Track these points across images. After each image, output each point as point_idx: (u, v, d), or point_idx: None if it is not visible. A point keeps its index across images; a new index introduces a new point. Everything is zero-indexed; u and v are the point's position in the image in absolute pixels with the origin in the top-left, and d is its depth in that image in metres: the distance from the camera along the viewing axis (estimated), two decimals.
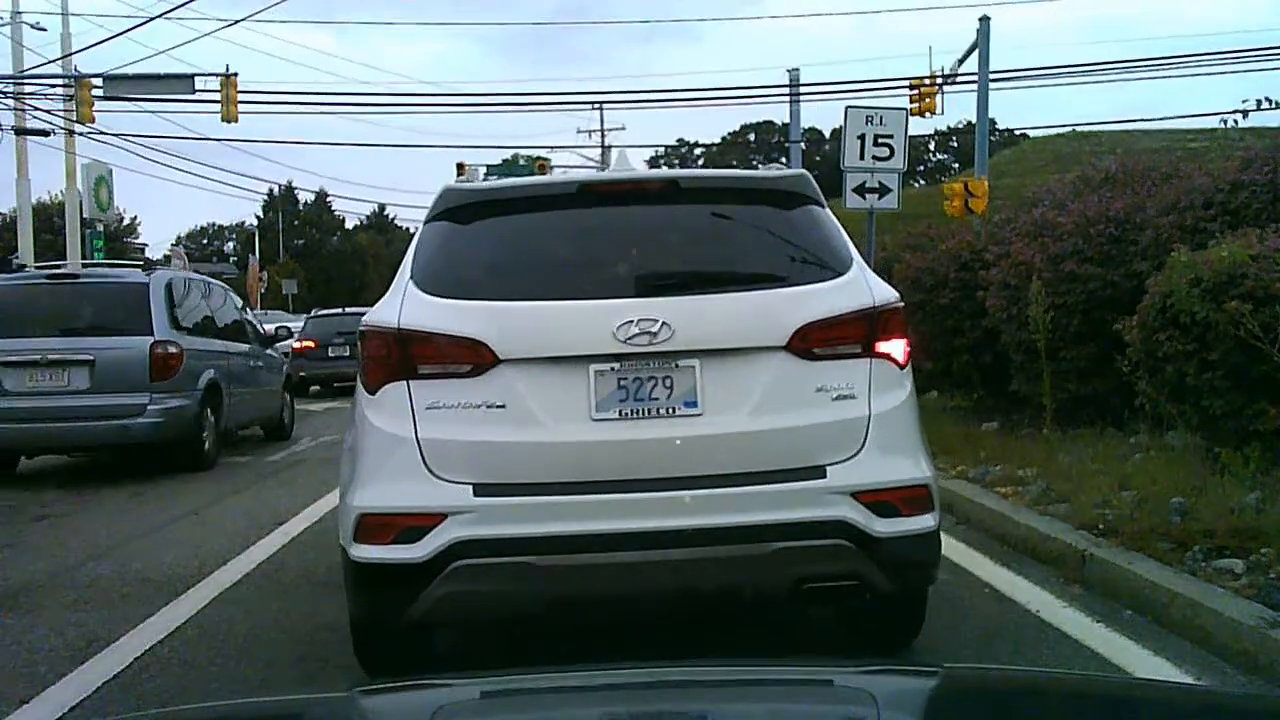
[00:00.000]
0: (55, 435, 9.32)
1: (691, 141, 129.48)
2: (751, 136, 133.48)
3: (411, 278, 4.04)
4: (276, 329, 14.86)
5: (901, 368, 3.99)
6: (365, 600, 3.90)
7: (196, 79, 27.51)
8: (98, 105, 27.42)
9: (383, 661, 4.12)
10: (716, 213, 4.26)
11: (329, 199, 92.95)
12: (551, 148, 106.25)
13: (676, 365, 3.77)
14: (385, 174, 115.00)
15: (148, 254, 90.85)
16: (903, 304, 4.08)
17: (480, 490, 3.71)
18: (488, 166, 41.61)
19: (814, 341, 3.84)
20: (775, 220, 4.16)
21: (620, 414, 3.76)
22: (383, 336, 3.88)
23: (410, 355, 3.82)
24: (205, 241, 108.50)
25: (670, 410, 3.76)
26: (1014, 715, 1.88)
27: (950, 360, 11.11)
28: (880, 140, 12.87)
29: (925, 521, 3.88)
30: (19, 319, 9.42)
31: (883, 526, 3.77)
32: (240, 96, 26.86)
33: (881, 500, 3.78)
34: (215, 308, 11.33)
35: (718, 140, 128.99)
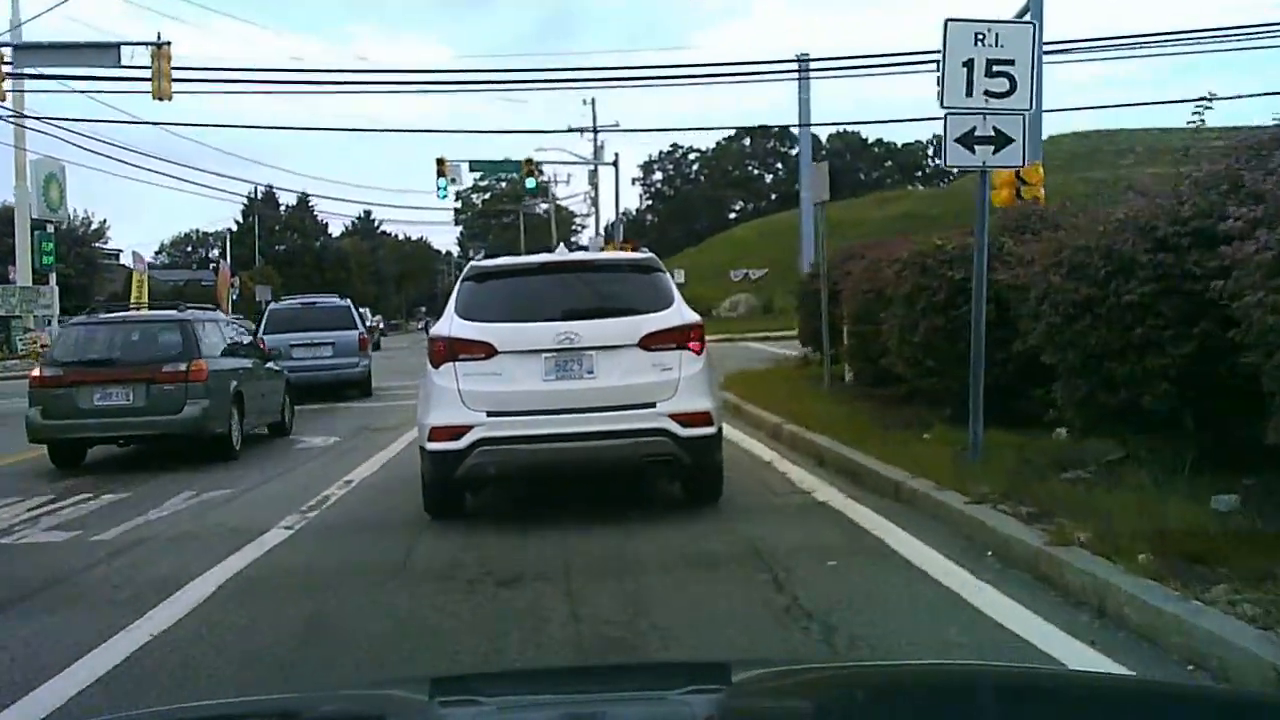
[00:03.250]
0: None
1: (686, 146, 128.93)
2: (747, 141, 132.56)
3: (455, 310, 8.08)
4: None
5: (698, 354, 7.88)
6: (432, 470, 7.86)
7: (124, 49, 24.61)
8: (52, 91, 25.17)
9: (438, 509, 8.11)
10: (608, 277, 8.65)
11: (311, 202, 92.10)
12: (541, 154, 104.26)
13: (583, 354, 7.70)
14: (371, 173, 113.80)
15: (123, 260, 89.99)
16: (700, 323, 8.09)
17: (490, 414, 7.62)
18: (470, 163, 41.23)
19: (650, 341, 7.75)
20: (636, 281, 8.31)
21: (557, 377, 7.70)
22: (443, 340, 7.90)
23: (455, 349, 7.77)
24: (190, 249, 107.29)
25: (580, 375, 7.68)
26: (1013, 715, 1.94)
27: (1138, 391, 7.29)
28: (996, 68, 8.48)
29: (708, 430, 7.81)
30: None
31: (684, 431, 7.63)
32: (179, 74, 24.00)
33: (683, 418, 7.62)
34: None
35: (712, 145, 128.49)
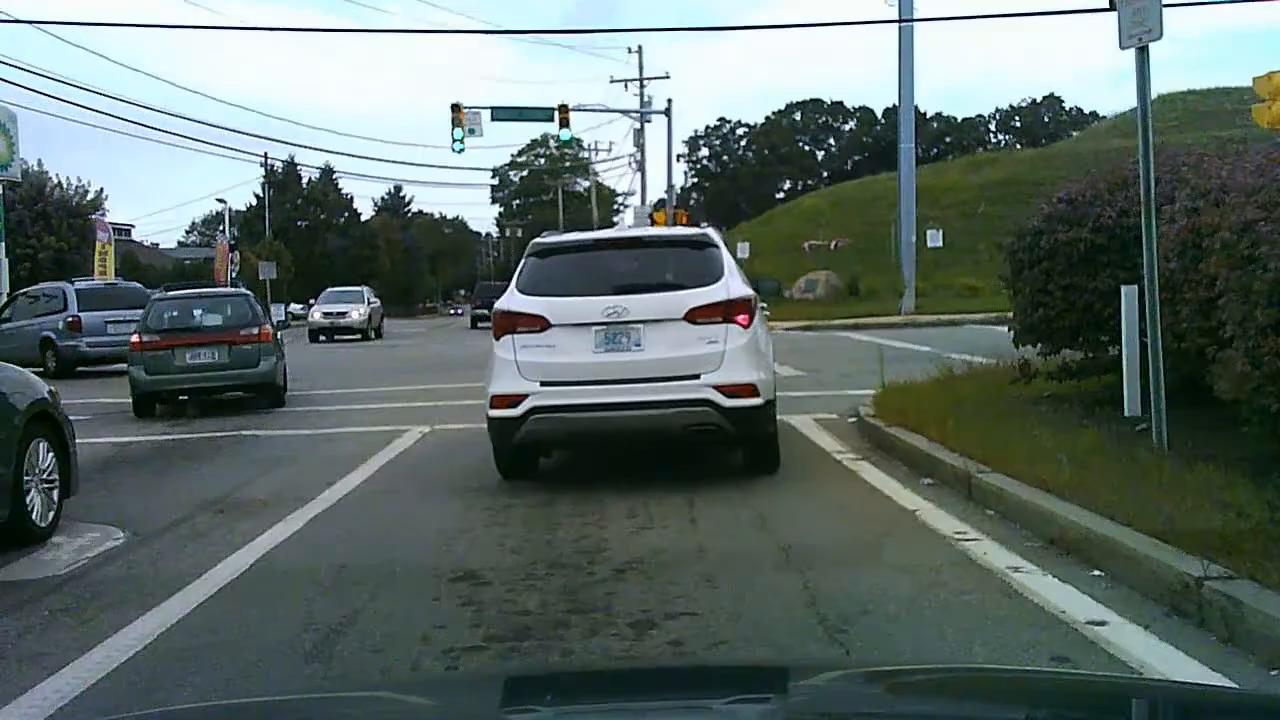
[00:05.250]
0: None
1: (734, 121, 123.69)
2: (798, 116, 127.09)
3: (515, 285, 8.48)
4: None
5: (745, 328, 7.97)
6: (495, 435, 8.34)
7: None
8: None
9: (509, 471, 8.50)
10: (660, 253, 8.91)
11: (336, 176, 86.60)
12: (579, 115, 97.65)
13: (631, 327, 7.95)
14: (400, 142, 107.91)
15: (135, 235, 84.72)
16: (747, 297, 8.15)
17: (543, 383, 7.94)
18: (493, 109, 35.10)
19: (696, 315, 7.93)
20: (687, 256, 8.55)
21: (606, 349, 7.99)
22: (502, 313, 8.28)
23: (513, 322, 8.12)
24: (221, 227, 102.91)
25: (628, 348, 7.97)
26: (1012, 714, 1.91)
27: None
28: None
29: (754, 401, 7.89)
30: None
31: (728, 402, 7.79)
32: None
33: (727, 389, 7.79)
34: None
35: (761, 120, 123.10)
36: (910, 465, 8.13)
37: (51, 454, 7.07)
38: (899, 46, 30.80)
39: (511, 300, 8.19)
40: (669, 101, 37.09)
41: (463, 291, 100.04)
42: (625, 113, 42.57)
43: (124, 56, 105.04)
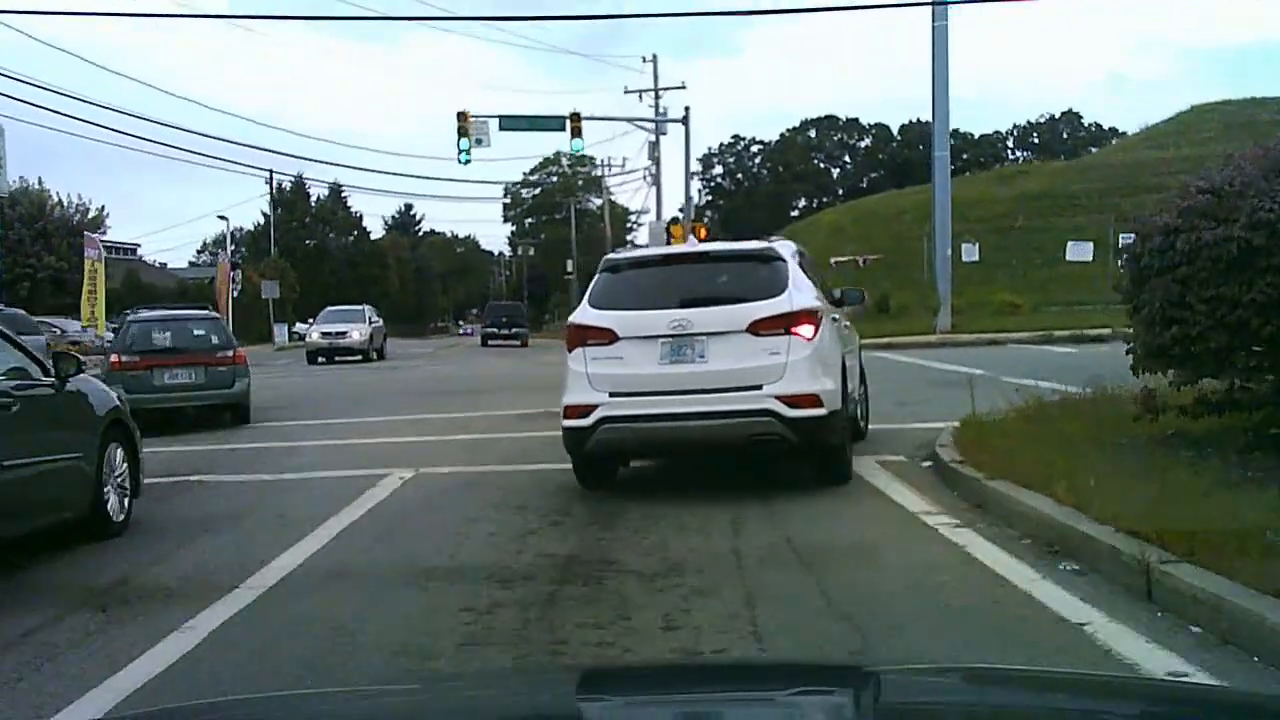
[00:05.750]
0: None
1: (748, 138, 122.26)
2: (812, 133, 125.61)
3: (587, 299, 8.67)
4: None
5: (808, 340, 8.01)
6: (569, 444, 8.37)
7: None
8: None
9: (584, 479, 8.59)
10: (725, 267, 8.82)
11: (345, 194, 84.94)
12: (591, 124, 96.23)
13: (695, 340, 8.03)
14: (408, 154, 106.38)
15: (141, 253, 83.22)
16: (811, 309, 8.16)
17: (612, 394, 8.07)
18: (501, 118, 33.17)
19: (759, 327, 7.99)
20: (752, 269, 8.59)
21: (671, 361, 8.07)
22: (574, 326, 8.51)
23: (584, 335, 8.32)
24: (233, 247, 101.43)
25: (693, 359, 8.04)
26: (1013, 714, 1.91)
27: None
28: None
29: (817, 411, 7.90)
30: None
31: (790, 412, 7.82)
32: None
33: (790, 400, 7.83)
34: None
35: (775, 137, 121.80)
36: (1030, 535, 6.10)
37: (124, 457, 7.82)
38: (932, 44, 28.86)
39: (583, 314, 8.53)
40: (686, 109, 35.21)
41: (475, 311, 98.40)
42: (638, 122, 40.70)
43: (129, 69, 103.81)
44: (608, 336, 8.14)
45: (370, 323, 35.66)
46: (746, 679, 2.23)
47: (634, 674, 2.63)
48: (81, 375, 7.66)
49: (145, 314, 16.65)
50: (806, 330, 7.97)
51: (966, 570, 5.61)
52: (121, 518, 7.57)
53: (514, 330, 47.57)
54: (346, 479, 9.44)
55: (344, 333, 34.30)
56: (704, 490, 8.33)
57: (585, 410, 8.04)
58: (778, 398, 7.75)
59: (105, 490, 7.40)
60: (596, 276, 8.82)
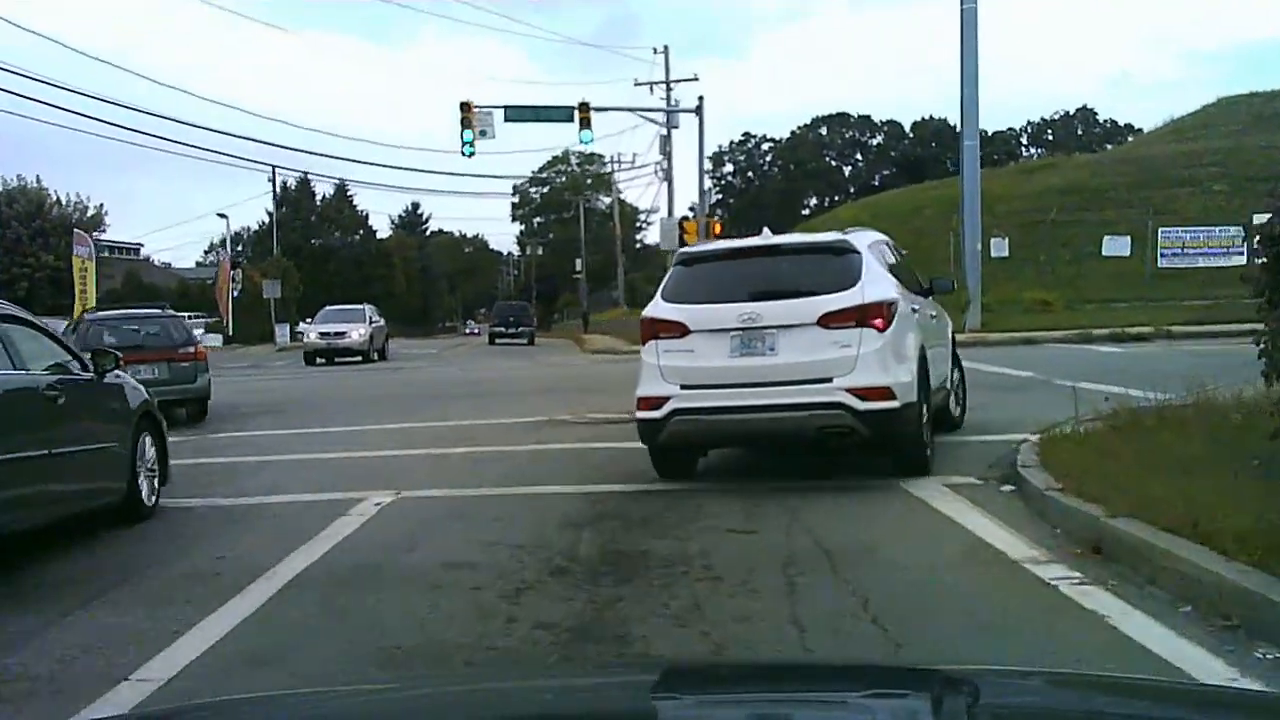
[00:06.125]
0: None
1: (759, 136, 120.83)
2: (824, 130, 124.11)
3: (660, 293, 8.75)
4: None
5: (880, 331, 7.92)
6: (643, 436, 8.45)
7: None
8: None
9: (661, 470, 8.60)
10: (797, 260, 8.91)
11: (350, 193, 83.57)
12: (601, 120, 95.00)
13: (765, 333, 8.03)
14: (417, 147, 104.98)
15: (144, 253, 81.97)
16: (884, 301, 8.04)
17: (683, 386, 8.11)
18: (506, 109, 31.67)
19: (829, 320, 7.93)
20: (824, 262, 8.54)
21: (741, 354, 8.09)
22: (647, 320, 8.61)
23: (656, 328, 8.40)
24: (240, 247, 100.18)
25: (763, 352, 8.05)
26: (1012, 714, 1.90)
27: None
28: None
29: (889, 404, 7.81)
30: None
31: (861, 405, 7.76)
32: None
33: (861, 393, 7.76)
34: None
35: (786, 135, 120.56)
36: (1188, 598, 4.57)
37: (153, 447, 8.25)
38: (961, 27, 27.32)
39: (655, 308, 8.62)
40: (700, 99, 33.64)
41: (483, 310, 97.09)
42: (649, 113, 39.14)
43: (131, 65, 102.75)
44: (679, 330, 8.25)
45: (371, 323, 34.19)
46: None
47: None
48: (116, 370, 8.08)
49: (102, 313, 16.96)
50: (879, 322, 7.96)
51: (1125, 657, 4.05)
52: (152, 502, 8.06)
53: (521, 329, 49.04)
54: (313, 505, 7.98)
55: (343, 333, 32.84)
56: (744, 519, 6.86)
57: (657, 403, 8.19)
58: (848, 390, 7.77)
59: (139, 477, 7.86)
60: (670, 270, 9.11)
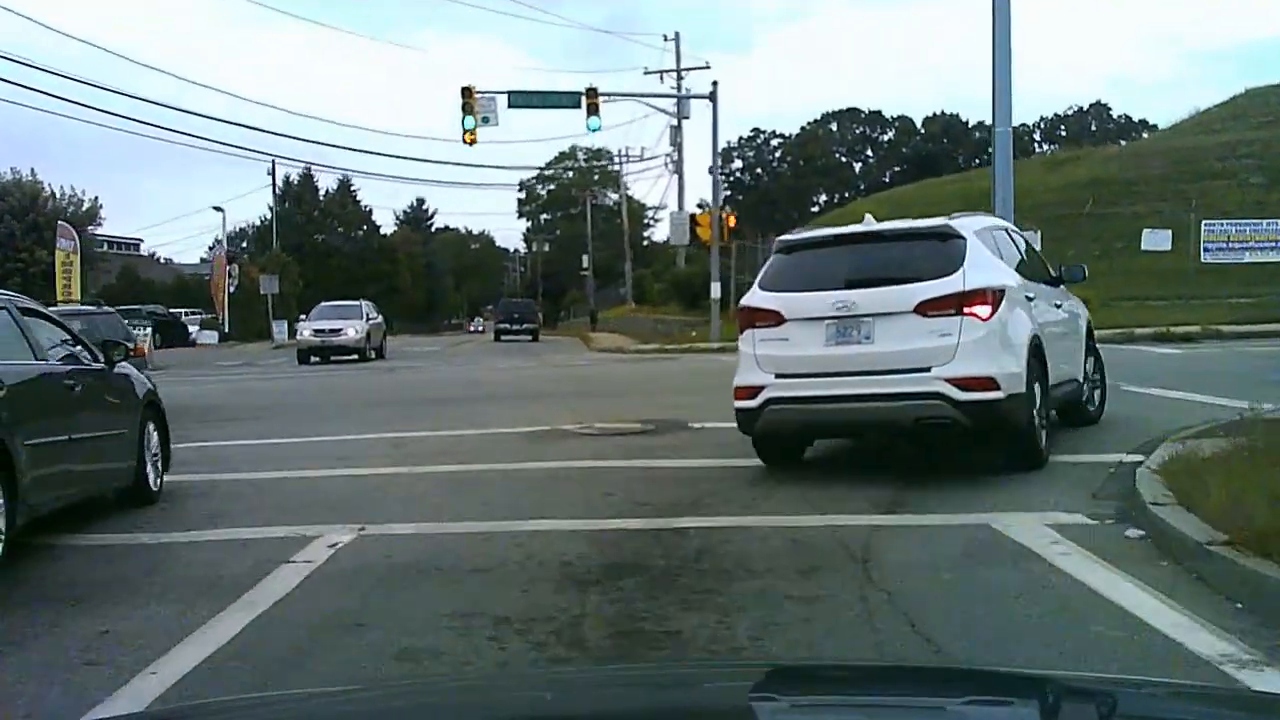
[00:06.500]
0: None
1: (768, 132, 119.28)
2: (834, 126, 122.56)
3: (758, 281, 8.66)
4: None
5: (983, 320, 7.66)
6: (741, 426, 8.35)
7: None
8: None
9: (765, 458, 8.53)
10: (896, 246, 8.58)
11: (354, 188, 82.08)
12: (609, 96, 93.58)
13: (861, 321, 7.86)
14: (418, 139, 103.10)
15: (143, 249, 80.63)
16: (988, 288, 7.76)
17: (778, 375, 8.05)
18: (510, 94, 30.05)
19: (927, 308, 7.70)
20: (925, 248, 8.25)
21: (836, 343, 7.95)
22: (743, 309, 8.62)
23: (752, 317, 8.35)
24: (245, 245, 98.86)
25: (859, 341, 7.88)
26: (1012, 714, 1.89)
27: None
28: None
29: (992, 395, 7.55)
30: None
31: (961, 395, 7.52)
32: None
33: (961, 383, 7.52)
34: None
35: (796, 131, 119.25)
36: None
37: (157, 434, 8.53)
38: (993, 2, 25.61)
39: (752, 296, 8.53)
40: (714, 84, 31.84)
41: (490, 307, 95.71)
42: (661, 99, 37.54)
43: (128, 52, 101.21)
44: (774, 318, 8.18)
45: (368, 319, 32.60)
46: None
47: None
48: (124, 361, 8.34)
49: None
50: (982, 310, 7.71)
51: None
52: (157, 486, 8.31)
53: (525, 325, 51.37)
54: (251, 546, 6.37)
55: (339, 330, 31.26)
56: (803, 575, 5.28)
57: (752, 392, 8.13)
58: (947, 380, 7.56)
59: (146, 463, 8.10)
60: (770, 258, 8.95)
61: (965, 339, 7.54)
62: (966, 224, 8.34)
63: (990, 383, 7.51)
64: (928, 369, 7.55)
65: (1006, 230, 9.35)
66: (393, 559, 6.03)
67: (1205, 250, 28.82)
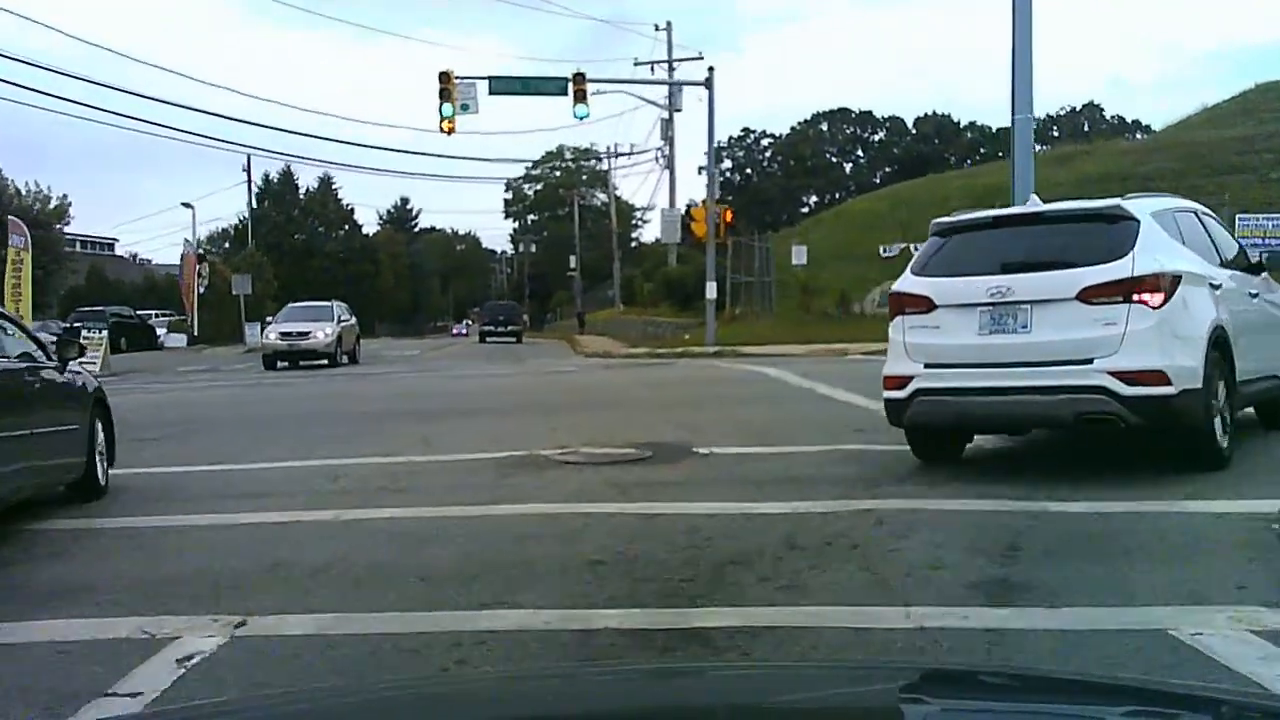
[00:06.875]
0: None
1: (759, 131, 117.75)
2: (824, 126, 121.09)
3: (910, 266, 8.28)
4: None
5: (1153, 308, 7.07)
6: (889, 416, 8.09)
7: None
8: None
9: (918, 452, 8.24)
10: (1060, 229, 7.97)
11: (336, 186, 79.85)
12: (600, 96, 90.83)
13: (1017, 308, 7.37)
14: (403, 132, 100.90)
15: (119, 249, 78.30)
16: (1160, 274, 7.12)
17: (927, 365, 7.72)
18: (490, 79, 27.83)
19: (1090, 294, 7.15)
20: (1091, 231, 7.68)
21: (991, 331, 7.48)
22: (894, 295, 8.19)
23: (902, 303, 7.97)
24: (226, 245, 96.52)
25: (1015, 330, 7.39)
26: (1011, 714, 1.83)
27: None
28: None
29: (1162, 390, 6.98)
30: None
31: (1127, 390, 6.97)
32: None
33: (1127, 376, 6.98)
34: None
35: (786, 130, 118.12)
36: None
37: (104, 431, 8.69)
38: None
39: (902, 282, 8.17)
40: (710, 70, 29.61)
41: (476, 309, 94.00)
42: (652, 86, 35.43)
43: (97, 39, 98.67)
44: (925, 305, 7.84)
45: (339, 322, 30.41)
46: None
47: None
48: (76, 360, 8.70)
49: None
50: (1153, 298, 7.16)
51: None
52: (104, 481, 8.45)
53: (510, 327, 53.05)
54: (67, 659, 4.27)
55: (306, 333, 29.07)
56: None
57: (901, 382, 7.87)
58: (1111, 373, 7.05)
59: (96, 457, 8.29)
60: (927, 241, 8.49)
61: (1133, 328, 7.00)
62: (1142, 205, 7.75)
63: (1160, 376, 6.99)
64: (1090, 360, 7.06)
65: (1196, 213, 8.56)
66: (267, 687, 3.93)
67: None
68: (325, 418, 14.29)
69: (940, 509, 6.53)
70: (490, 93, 27.94)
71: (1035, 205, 8.34)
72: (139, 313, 48.10)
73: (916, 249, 33.24)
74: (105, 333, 31.28)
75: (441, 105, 27.53)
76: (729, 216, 29.77)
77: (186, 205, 53.32)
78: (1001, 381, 7.35)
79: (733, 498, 7.19)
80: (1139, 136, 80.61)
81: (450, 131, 27.92)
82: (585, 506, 7.06)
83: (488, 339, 51.90)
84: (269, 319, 33.80)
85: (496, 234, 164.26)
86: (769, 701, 1.90)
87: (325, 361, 29.15)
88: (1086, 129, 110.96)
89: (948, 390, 7.59)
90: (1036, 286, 7.36)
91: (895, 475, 7.81)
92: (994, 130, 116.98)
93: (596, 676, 2.40)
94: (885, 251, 31.86)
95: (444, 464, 9.36)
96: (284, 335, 29.21)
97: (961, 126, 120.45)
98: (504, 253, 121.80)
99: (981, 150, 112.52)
